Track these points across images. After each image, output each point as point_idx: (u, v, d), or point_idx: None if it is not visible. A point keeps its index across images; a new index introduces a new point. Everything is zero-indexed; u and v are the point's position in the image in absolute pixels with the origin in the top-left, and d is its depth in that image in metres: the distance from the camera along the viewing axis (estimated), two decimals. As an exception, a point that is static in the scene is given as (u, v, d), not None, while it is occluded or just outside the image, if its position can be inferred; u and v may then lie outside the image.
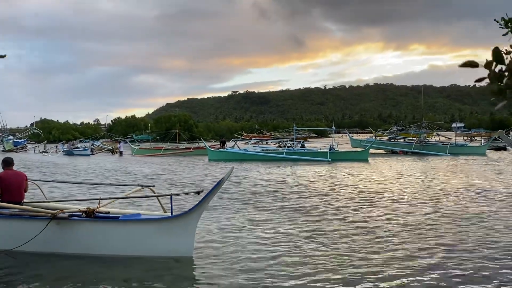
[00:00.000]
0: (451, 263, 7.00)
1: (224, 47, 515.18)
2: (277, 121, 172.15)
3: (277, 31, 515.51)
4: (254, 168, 25.91)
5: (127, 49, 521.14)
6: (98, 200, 8.20)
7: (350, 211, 11.56)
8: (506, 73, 2.28)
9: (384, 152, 41.62)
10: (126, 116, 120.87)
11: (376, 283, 6.13)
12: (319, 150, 35.08)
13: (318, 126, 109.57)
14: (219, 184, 7.15)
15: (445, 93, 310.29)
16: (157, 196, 8.92)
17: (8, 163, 8.43)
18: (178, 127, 70.73)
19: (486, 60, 2.28)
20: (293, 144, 38.69)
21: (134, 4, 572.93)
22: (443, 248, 7.85)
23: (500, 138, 43.82)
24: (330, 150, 32.98)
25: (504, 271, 6.63)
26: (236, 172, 21.10)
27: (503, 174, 20.85)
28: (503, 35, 2.66)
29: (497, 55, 2.24)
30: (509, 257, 7.28)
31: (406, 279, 6.28)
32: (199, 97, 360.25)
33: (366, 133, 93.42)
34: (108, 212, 8.13)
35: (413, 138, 42.64)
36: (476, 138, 64.95)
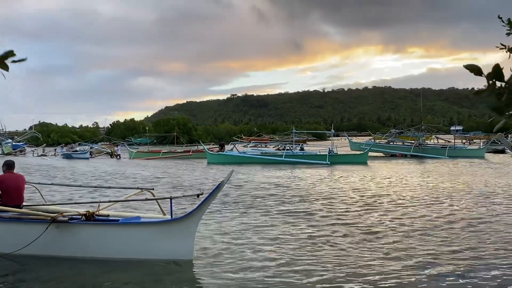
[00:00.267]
0: (455, 267, 7.00)
1: (223, 50, 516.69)
2: (276, 124, 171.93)
3: (276, 35, 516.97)
4: (253, 171, 25.89)
5: (126, 52, 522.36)
6: (98, 203, 8.19)
7: (352, 214, 11.55)
8: (506, 89, 2.26)
9: (383, 155, 41.65)
10: (125, 119, 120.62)
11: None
12: (318, 153, 35.10)
13: (317, 129, 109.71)
14: (218, 187, 7.15)
15: (443, 96, 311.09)
16: (156, 199, 8.92)
17: (9, 166, 8.44)
18: (177, 130, 70.73)
19: (488, 73, 2.26)
20: (292, 147, 38.71)
21: (133, 7, 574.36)
22: (447, 252, 7.84)
23: (499, 141, 43.87)
24: (329, 153, 32.96)
25: (504, 272, 6.64)
26: (235, 175, 21.08)
27: (502, 177, 20.87)
28: (507, 34, 2.66)
29: (497, 72, 2.23)
30: (510, 259, 7.29)
31: (409, 282, 6.28)
32: (198, 100, 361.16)
33: (365, 136, 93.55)
34: (108, 215, 8.14)
35: (412, 141, 42.67)
36: (474, 141, 64.96)
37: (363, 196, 14.86)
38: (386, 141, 46.57)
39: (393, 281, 6.34)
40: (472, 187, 17.13)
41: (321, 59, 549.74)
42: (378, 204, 13.11)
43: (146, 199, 9.49)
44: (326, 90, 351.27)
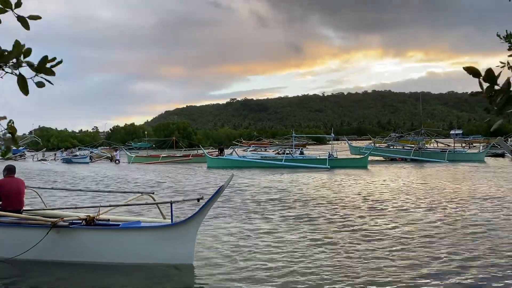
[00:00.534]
0: (458, 271, 6.99)
1: (223, 54, 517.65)
2: (276, 128, 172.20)
3: (276, 39, 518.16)
4: (253, 175, 25.89)
5: (126, 57, 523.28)
6: (98, 208, 8.19)
7: (352, 218, 11.53)
8: (499, 92, 2.32)
9: (383, 159, 41.66)
10: (125, 124, 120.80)
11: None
12: (318, 157, 35.11)
13: (317, 133, 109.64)
14: (219, 191, 7.16)
15: (443, 100, 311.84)
16: (157, 204, 8.92)
17: (11, 170, 8.46)
18: (176, 134, 70.73)
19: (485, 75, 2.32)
20: (292, 151, 38.72)
21: (132, 12, 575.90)
22: (449, 256, 7.83)
23: (499, 145, 43.95)
24: (329, 157, 32.99)
25: (506, 275, 6.64)
26: (235, 179, 21.08)
27: (502, 181, 20.88)
28: (509, 50, 2.72)
29: (489, 76, 2.29)
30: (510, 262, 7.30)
31: (411, 285, 6.28)
32: (197, 104, 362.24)
33: (365, 140, 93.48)
34: (108, 220, 8.14)
35: (412, 145, 42.69)
36: (474, 144, 64.97)
37: (363, 200, 14.86)
38: (386, 145, 46.60)
39: (395, 285, 6.34)
40: (472, 191, 17.13)
41: (320, 63, 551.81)
42: (379, 208, 13.10)
43: (147, 204, 9.49)
44: (326, 94, 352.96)
